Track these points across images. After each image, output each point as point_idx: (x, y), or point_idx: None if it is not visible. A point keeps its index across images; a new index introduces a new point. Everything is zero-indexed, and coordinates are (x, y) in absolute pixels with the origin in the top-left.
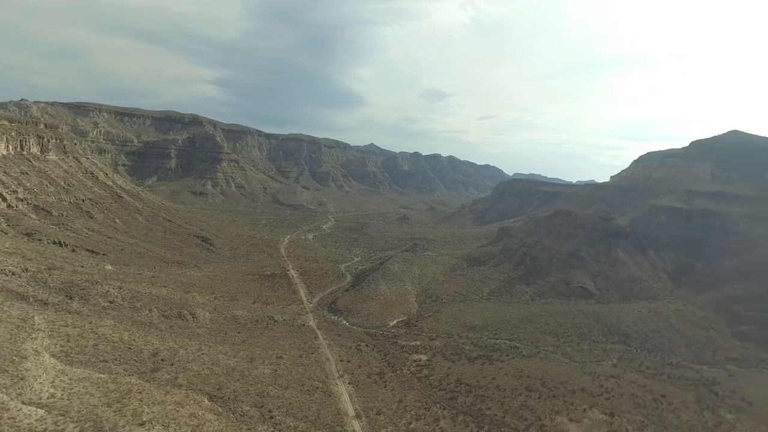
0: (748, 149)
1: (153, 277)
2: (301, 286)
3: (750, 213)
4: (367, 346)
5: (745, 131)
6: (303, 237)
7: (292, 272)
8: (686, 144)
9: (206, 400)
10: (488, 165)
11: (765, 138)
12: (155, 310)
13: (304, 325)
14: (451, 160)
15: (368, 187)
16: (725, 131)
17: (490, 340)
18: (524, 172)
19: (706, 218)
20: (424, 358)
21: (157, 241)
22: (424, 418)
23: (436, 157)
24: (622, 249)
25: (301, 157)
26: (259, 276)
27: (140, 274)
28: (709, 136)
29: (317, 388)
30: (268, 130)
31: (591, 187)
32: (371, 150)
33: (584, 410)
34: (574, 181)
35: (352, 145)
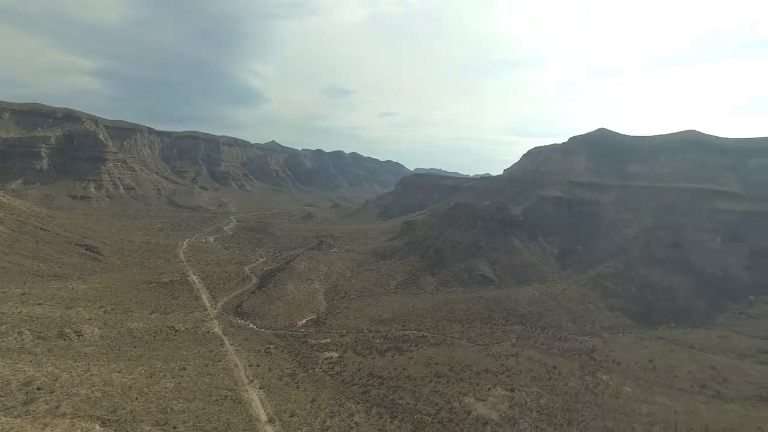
0: (612, 144)
1: (23, 294)
2: (203, 291)
3: (615, 200)
4: (276, 348)
5: (610, 129)
6: (203, 240)
7: (193, 277)
8: (566, 139)
9: (98, 426)
10: (390, 161)
11: (624, 135)
12: (27, 332)
13: (208, 332)
14: (355, 156)
15: (271, 186)
16: (595, 128)
17: (399, 332)
18: (425, 167)
19: (583, 206)
20: (335, 355)
21: (27, 253)
22: (339, 415)
23: (339, 154)
24: (517, 237)
25: (198, 156)
26: (156, 284)
27: (4, 292)
28: (583, 132)
29: (226, 396)
30: (160, 127)
31: (487, 180)
32: (273, 148)
33: (489, 389)
34: (472, 175)
35: (252, 143)
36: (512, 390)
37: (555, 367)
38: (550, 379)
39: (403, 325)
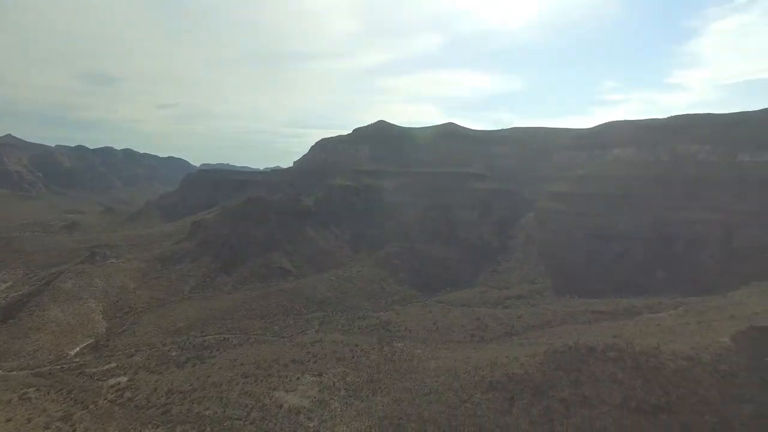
0: (391, 135)
1: None
2: None
3: (396, 185)
4: (39, 390)
5: (388, 121)
6: None
7: None
8: (350, 131)
9: None
10: (173, 157)
11: (401, 127)
12: None
13: None
14: (129, 153)
15: (12, 191)
16: (376, 120)
17: (198, 339)
18: (212, 162)
19: (369, 192)
20: (124, 379)
21: None
22: None
23: (108, 151)
24: (311, 227)
25: None
26: None
27: None
28: (366, 124)
29: None
30: None
31: (278, 172)
32: (10, 143)
33: (297, 378)
34: (263, 168)
35: None
36: (320, 375)
37: (357, 345)
38: (353, 357)
39: (202, 331)
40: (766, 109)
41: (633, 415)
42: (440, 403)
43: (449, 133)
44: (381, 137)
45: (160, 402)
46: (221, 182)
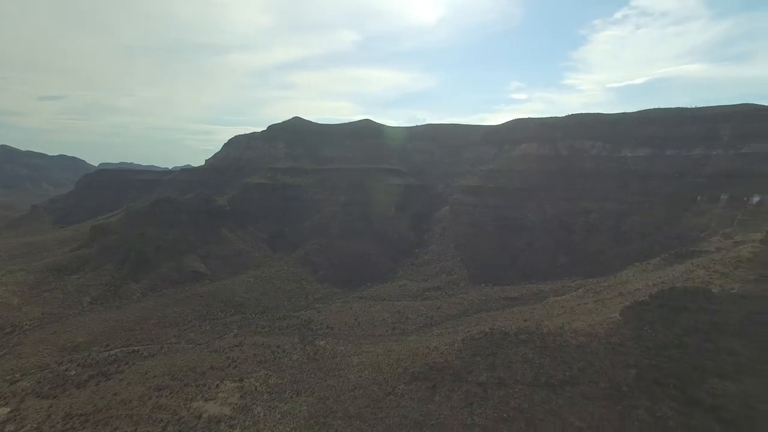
0: (307, 132)
1: None
2: None
3: (314, 182)
4: None
5: (303, 118)
6: None
7: None
8: (265, 128)
9: None
10: (65, 156)
11: (317, 123)
12: None
13: None
14: (7, 150)
15: None
16: (291, 117)
17: (102, 354)
18: (114, 162)
19: (286, 190)
20: (5, 410)
21: None
22: None
23: None
24: (226, 227)
25: None
26: None
27: None
28: (281, 121)
29: None
30: None
31: (189, 172)
32: None
33: (216, 386)
34: (171, 167)
35: None
36: (241, 380)
37: (279, 346)
38: (275, 359)
39: (107, 345)
40: (642, 110)
41: (543, 390)
42: (365, 397)
43: (366, 129)
44: (297, 134)
45: (55, 429)
46: (124, 183)
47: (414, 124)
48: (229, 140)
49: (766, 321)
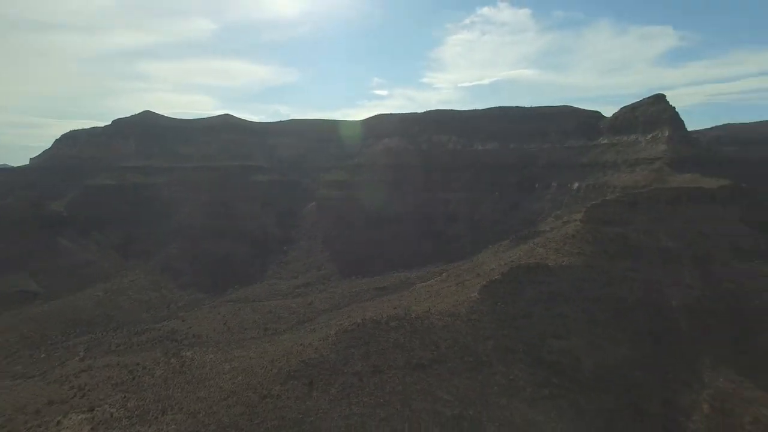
0: (160, 127)
1: None
2: None
3: (170, 181)
4: None
5: (155, 112)
6: None
7: None
8: (109, 122)
9: None
10: None
11: (171, 118)
12: None
13: None
14: None
15: None
16: (141, 111)
17: None
18: None
19: (139, 191)
20: None
21: None
22: None
23: None
24: (65, 236)
25: None
26: None
27: None
28: (129, 115)
29: None
30: None
31: (8, 172)
32: None
33: (58, 423)
34: None
35: None
36: (91, 409)
37: (138, 364)
38: (134, 379)
39: None
40: (489, 108)
41: (415, 371)
42: (240, 404)
43: (226, 124)
44: (148, 129)
45: None
46: None
47: (277, 120)
48: (63, 135)
49: (586, 287)
